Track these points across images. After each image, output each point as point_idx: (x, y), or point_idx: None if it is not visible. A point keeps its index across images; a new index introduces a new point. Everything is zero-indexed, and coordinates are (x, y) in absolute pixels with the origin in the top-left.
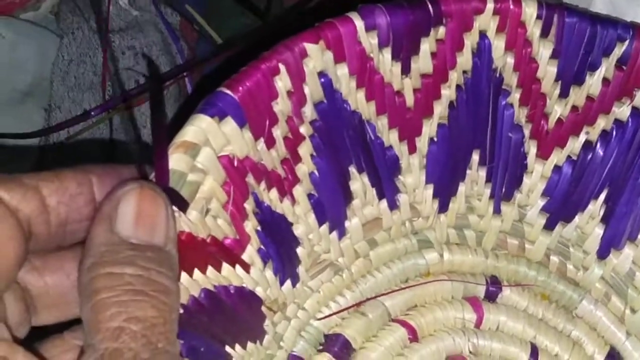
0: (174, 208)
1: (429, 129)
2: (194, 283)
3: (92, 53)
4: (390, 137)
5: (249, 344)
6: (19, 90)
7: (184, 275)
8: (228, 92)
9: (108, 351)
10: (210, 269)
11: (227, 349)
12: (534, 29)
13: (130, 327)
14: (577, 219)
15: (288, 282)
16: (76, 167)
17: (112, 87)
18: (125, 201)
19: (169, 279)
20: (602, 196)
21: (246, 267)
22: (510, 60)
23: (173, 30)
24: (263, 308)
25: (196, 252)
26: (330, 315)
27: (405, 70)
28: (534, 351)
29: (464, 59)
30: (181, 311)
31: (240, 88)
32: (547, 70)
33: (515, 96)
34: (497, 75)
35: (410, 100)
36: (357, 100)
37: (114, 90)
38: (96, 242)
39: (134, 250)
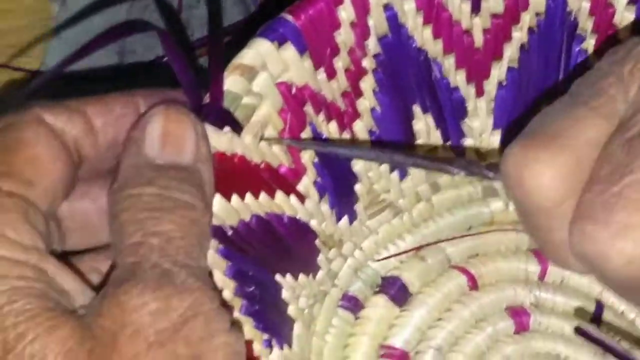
0: (228, 129)
1: (498, 71)
2: (245, 207)
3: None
4: (457, 78)
5: (301, 276)
6: (94, 33)
7: (234, 198)
8: (289, 18)
9: (128, 263)
10: (263, 195)
11: (278, 277)
12: None
13: (148, 241)
14: None
15: (345, 219)
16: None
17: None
18: (151, 123)
19: (191, 195)
20: None
21: (301, 197)
22: (586, 4)
23: None
24: (317, 242)
25: (249, 176)
26: (388, 257)
27: (475, 9)
28: (599, 307)
29: (537, 1)
30: (229, 233)
31: (302, 15)
32: (624, 17)
33: (590, 42)
34: (572, 19)
35: (479, 40)
36: (424, 37)
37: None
38: (123, 165)
39: (156, 170)
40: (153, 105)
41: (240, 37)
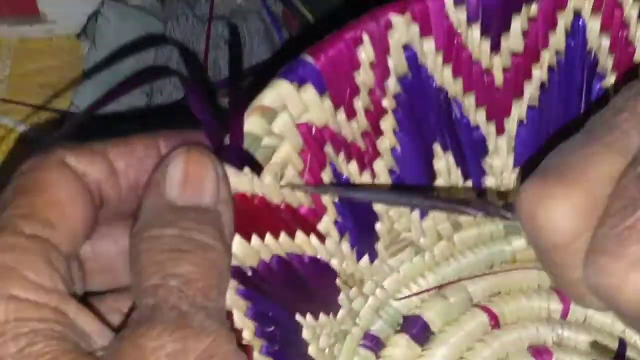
0: (248, 170)
1: (519, 110)
2: (265, 248)
3: (195, 39)
4: (478, 117)
5: (322, 315)
6: (123, 75)
7: (254, 239)
8: (309, 59)
9: (147, 306)
10: (283, 236)
11: (298, 317)
12: (631, 11)
13: (167, 283)
14: None
15: (365, 258)
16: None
17: (212, 73)
18: (173, 165)
19: (210, 236)
20: None
21: (321, 237)
22: (606, 42)
23: (276, 19)
24: (338, 281)
25: (269, 217)
26: (410, 295)
27: (495, 48)
28: (622, 345)
29: (557, 39)
30: (249, 273)
31: (322, 56)
32: None
33: (611, 80)
34: (592, 57)
35: (499, 79)
36: (444, 76)
37: (214, 77)
38: (145, 207)
39: (176, 212)
40: (174, 147)
41: (266, 76)
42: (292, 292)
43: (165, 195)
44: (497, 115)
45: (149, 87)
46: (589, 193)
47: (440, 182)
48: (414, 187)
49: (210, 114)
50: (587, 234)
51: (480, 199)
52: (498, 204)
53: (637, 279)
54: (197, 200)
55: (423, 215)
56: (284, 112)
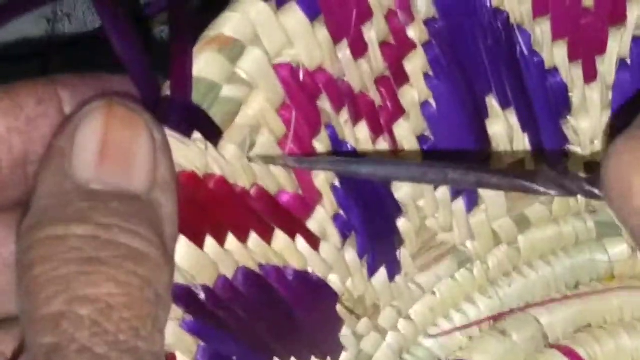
0: (199, 136)
1: (619, 44)
2: (226, 256)
3: None
4: (555, 54)
5: None
6: None
7: (209, 243)
8: None
9: (43, 350)
10: (254, 237)
11: None
12: None
13: (74, 311)
14: None
15: (382, 272)
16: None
17: None
18: (85, 127)
19: (144, 240)
20: None
21: (313, 241)
22: None
23: None
24: (339, 308)
25: (231, 208)
26: (451, 331)
27: None
28: None
29: None
30: (202, 296)
31: None
32: None
33: None
34: None
35: None
36: None
37: None
38: (41, 191)
39: (91, 199)
40: (85, 101)
41: None
42: (267, 325)
43: (73, 173)
44: (586, 52)
45: (51, 7)
46: None
47: (498, 152)
48: (453, 155)
49: (139, 49)
50: None
51: (552, 170)
52: (579, 177)
53: None
54: (122, 183)
55: (471, 205)
56: (254, 46)
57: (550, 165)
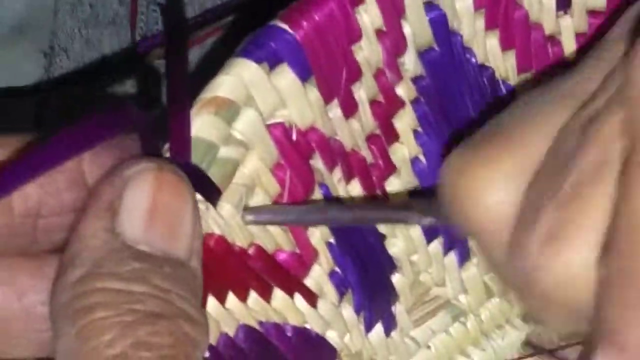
0: (199, 197)
1: None
2: (227, 315)
3: None
4: None
5: None
6: (7, 26)
7: (211, 302)
8: (284, 26)
9: None
10: (253, 296)
11: None
12: None
13: (138, 354)
14: None
15: (378, 328)
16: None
17: (145, 22)
18: (134, 187)
19: (193, 307)
20: None
21: (311, 298)
22: None
23: None
24: None
25: (231, 267)
26: None
27: (563, 4)
28: None
29: None
30: (206, 355)
31: (304, 22)
32: None
33: None
34: None
35: (570, 49)
36: (487, 48)
37: (149, 27)
38: (89, 244)
39: (144, 262)
40: (134, 158)
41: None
42: None
43: (123, 232)
44: None
45: (51, 40)
46: (527, 153)
47: None
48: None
49: (148, 99)
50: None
51: (427, 198)
52: None
53: (550, 254)
54: (168, 248)
55: (463, 259)
56: (249, 107)
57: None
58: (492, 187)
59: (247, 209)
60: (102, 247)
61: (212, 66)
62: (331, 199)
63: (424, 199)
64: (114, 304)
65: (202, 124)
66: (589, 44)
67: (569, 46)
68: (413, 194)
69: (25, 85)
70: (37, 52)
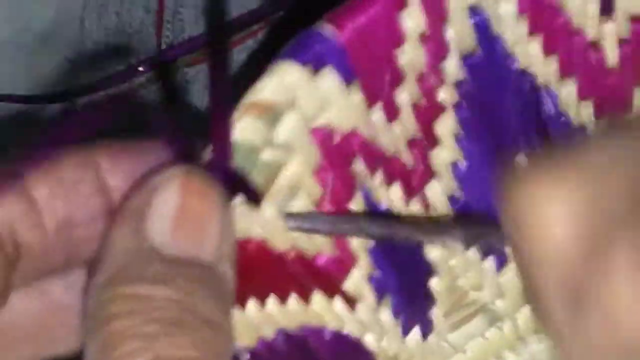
0: (240, 200)
1: None
2: (266, 318)
3: None
4: (583, 113)
5: None
6: (33, 32)
7: (251, 305)
8: (329, 30)
9: None
10: (293, 300)
11: None
12: None
13: None
14: None
15: (415, 332)
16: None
17: (171, 31)
18: (162, 193)
19: (218, 310)
20: None
21: (350, 301)
22: None
23: None
24: None
25: (271, 271)
26: None
27: (606, 10)
28: None
29: None
30: (244, 358)
31: (348, 26)
32: None
33: None
34: None
35: (613, 56)
36: (529, 53)
37: (175, 35)
38: (116, 249)
39: (169, 266)
40: (162, 166)
41: (266, 50)
42: None
43: (150, 236)
44: (612, 110)
45: (74, 49)
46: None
47: None
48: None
49: (175, 107)
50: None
51: (468, 223)
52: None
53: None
54: (194, 251)
55: (501, 264)
56: (291, 110)
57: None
58: (565, 215)
59: (289, 215)
60: (128, 251)
61: (255, 69)
62: (375, 211)
63: (469, 223)
64: (135, 312)
65: (244, 128)
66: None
67: (612, 52)
68: (459, 216)
69: (52, 92)
70: (62, 59)
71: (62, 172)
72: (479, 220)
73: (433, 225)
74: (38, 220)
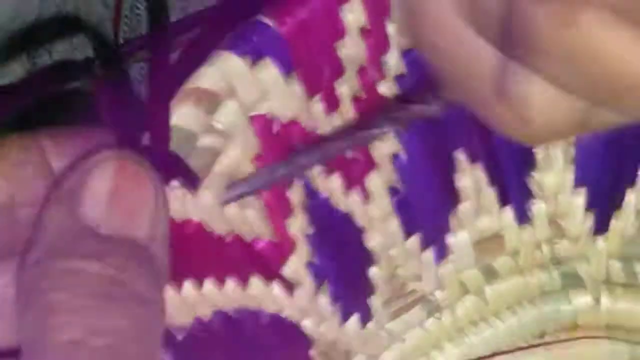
0: (177, 184)
1: None
2: (203, 299)
3: None
4: None
5: None
6: None
7: (187, 286)
8: (268, 21)
9: None
10: (230, 283)
11: None
12: None
13: (90, 342)
14: None
15: (354, 319)
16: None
17: (129, 25)
18: (96, 175)
19: (149, 287)
20: None
21: (288, 286)
22: None
23: None
24: (313, 353)
25: (209, 253)
26: None
27: None
28: None
29: None
30: (179, 337)
31: (288, 18)
32: None
33: None
34: None
35: None
36: None
37: (132, 30)
38: (50, 227)
39: (102, 242)
40: (96, 149)
41: (206, 39)
42: None
43: (84, 215)
44: None
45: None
46: None
47: (466, 207)
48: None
49: (120, 96)
50: None
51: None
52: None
53: None
54: (127, 231)
55: (440, 256)
56: (231, 98)
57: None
58: None
59: (227, 186)
60: (62, 230)
61: (196, 61)
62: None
63: (395, 107)
64: (67, 287)
65: (182, 114)
66: None
67: None
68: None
69: (9, 84)
70: (21, 53)
71: (6, 153)
72: (408, 101)
73: (362, 123)
74: None
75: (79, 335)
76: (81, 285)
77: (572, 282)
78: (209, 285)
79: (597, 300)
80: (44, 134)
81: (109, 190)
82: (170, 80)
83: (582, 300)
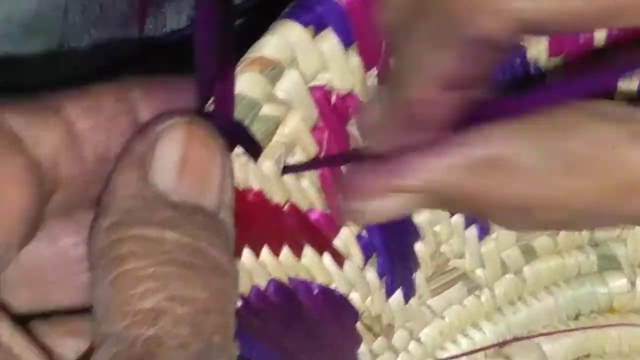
0: (240, 151)
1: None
2: (260, 268)
3: None
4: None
5: None
6: (17, 23)
7: (246, 253)
8: None
9: (141, 339)
10: (285, 252)
11: None
12: None
13: (174, 309)
14: None
15: (398, 294)
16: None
17: (154, 24)
18: (166, 141)
19: (225, 255)
20: None
21: (338, 258)
22: None
23: None
24: (359, 325)
25: (267, 221)
26: (458, 356)
27: None
28: None
29: None
30: (238, 304)
31: None
32: None
33: None
34: None
35: (600, 36)
36: None
37: (157, 29)
38: (121, 193)
39: (176, 210)
40: (167, 113)
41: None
42: (295, 336)
43: (155, 182)
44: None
45: (58, 41)
46: None
47: None
48: None
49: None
50: None
51: None
52: None
53: None
54: (196, 198)
55: (483, 233)
56: (292, 68)
57: None
58: None
59: (286, 167)
60: (134, 196)
61: (258, 30)
62: None
63: None
64: (147, 254)
65: (245, 82)
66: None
67: (600, 32)
68: None
69: (34, 83)
70: (47, 50)
71: (101, 107)
72: None
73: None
74: (80, 153)
75: (163, 303)
76: (162, 253)
77: (609, 264)
78: (265, 253)
79: (633, 284)
80: (133, 84)
81: (179, 157)
82: (234, 46)
83: (618, 282)
